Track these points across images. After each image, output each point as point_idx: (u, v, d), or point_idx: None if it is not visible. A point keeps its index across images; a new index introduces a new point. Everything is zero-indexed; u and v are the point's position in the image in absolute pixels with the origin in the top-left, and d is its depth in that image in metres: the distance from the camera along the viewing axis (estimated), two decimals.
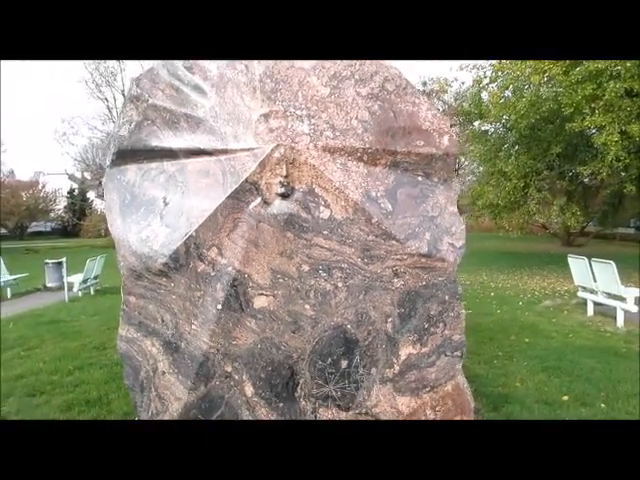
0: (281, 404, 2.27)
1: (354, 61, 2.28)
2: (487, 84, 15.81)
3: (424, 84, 41.05)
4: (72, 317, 8.79)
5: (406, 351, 2.32)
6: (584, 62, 11.59)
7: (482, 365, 5.51)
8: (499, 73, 14.82)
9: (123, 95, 20.97)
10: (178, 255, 2.20)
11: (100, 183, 33.10)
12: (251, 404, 2.26)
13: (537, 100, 13.29)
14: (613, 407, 4.23)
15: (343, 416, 2.29)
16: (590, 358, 5.54)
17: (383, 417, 2.33)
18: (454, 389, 2.41)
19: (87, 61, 19.68)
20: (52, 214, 43.95)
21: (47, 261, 12.79)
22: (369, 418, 2.32)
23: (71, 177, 48.93)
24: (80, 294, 11.59)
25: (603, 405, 4.27)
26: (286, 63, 2.24)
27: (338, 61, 2.27)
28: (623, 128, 11.00)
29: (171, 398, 2.29)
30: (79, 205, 42.82)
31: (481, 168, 18.11)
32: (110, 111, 20.94)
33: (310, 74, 2.23)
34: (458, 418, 2.42)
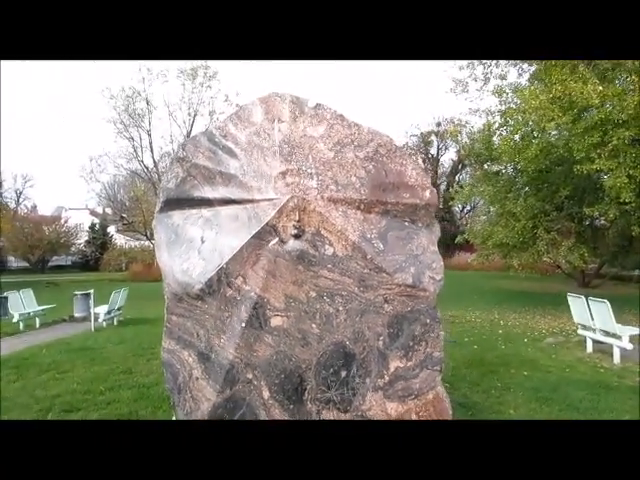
0: (292, 406, 2.77)
1: (354, 130, 2.88)
2: (497, 129, 16.37)
3: (438, 124, 42.06)
4: (99, 345, 9.30)
5: (394, 364, 2.82)
6: (591, 112, 12.12)
7: (481, 394, 5.88)
8: (508, 119, 15.36)
9: (149, 135, 21.79)
10: (211, 283, 2.76)
11: (121, 218, 33.89)
12: (267, 405, 2.77)
13: (546, 146, 13.75)
14: None
15: (343, 418, 2.78)
16: (582, 391, 5.88)
17: (375, 419, 2.81)
18: (435, 397, 2.88)
19: (116, 103, 20.63)
20: (73, 248, 44.63)
21: (76, 292, 13.41)
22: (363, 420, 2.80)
23: (92, 212, 50.16)
24: (104, 324, 12.12)
25: None
26: (299, 132, 2.85)
27: (341, 130, 2.87)
28: (630, 172, 11.40)
29: (202, 399, 2.80)
30: (101, 239, 43.59)
31: (492, 208, 18.42)
32: (135, 150, 21.83)
33: (319, 141, 2.83)
34: None
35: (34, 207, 49.10)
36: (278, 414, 2.77)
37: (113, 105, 20.72)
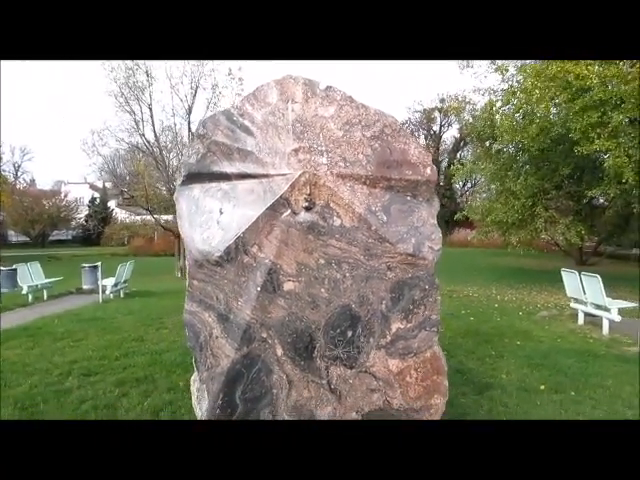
0: (302, 362, 3.06)
1: (361, 111, 3.11)
2: (499, 108, 16.46)
3: (442, 101, 41.86)
4: (108, 316, 9.63)
5: (396, 326, 3.10)
6: (590, 92, 12.24)
7: (475, 361, 6.22)
8: (510, 98, 15.44)
9: (150, 109, 21.66)
10: (230, 250, 3.02)
11: (122, 192, 33.73)
12: (280, 361, 3.06)
13: (547, 125, 13.89)
14: (580, 394, 4.94)
15: (349, 373, 3.07)
16: (571, 358, 6.22)
17: (378, 375, 3.10)
18: (432, 356, 3.17)
19: (117, 75, 20.49)
20: (73, 222, 44.71)
21: (84, 265, 13.72)
22: (368, 375, 3.10)
23: (92, 186, 50.09)
24: (112, 296, 12.45)
25: (573, 393, 4.98)
26: (311, 112, 3.08)
27: (350, 111, 3.10)
28: (630, 152, 11.58)
29: (222, 356, 3.09)
30: (103, 213, 43.63)
31: (492, 186, 18.60)
32: (137, 124, 21.71)
33: (329, 121, 3.07)
34: (435, 378, 3.18)
35: (32, 181, 48.97)
36: (290, 369, 3.06)
37: (113, 77, 20.57)
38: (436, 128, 46.16)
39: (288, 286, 3.02)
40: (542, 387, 5.11)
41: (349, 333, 3.06)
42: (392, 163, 3.10)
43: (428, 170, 3.16)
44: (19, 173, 46.42)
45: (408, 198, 3.16)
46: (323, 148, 3.02)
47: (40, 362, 6.16)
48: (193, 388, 3.35)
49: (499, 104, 16.40)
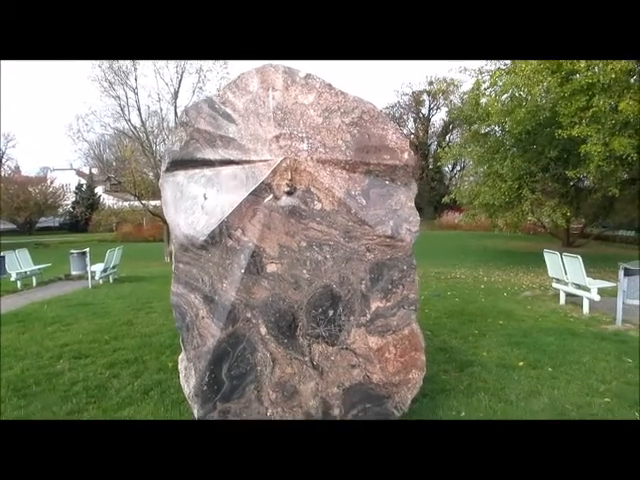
0: (285, 340, 3.19)
1: (340, 98, 3.20)
2: (486, 89, 16.52)
3: (430, 83, 41.82)
4: (98, 301, 9.70)
5: (375, 305, 3.24)
6: (577, 75, 12.34)
7: (458, 340, 6.39)
8: (497, 80, 15.50)
9: (135, 93, 21.45)
10: (214, 234, 3.12)
11: (108, 178, 33.50)
12: (264, 340, 3.19)
13: (534, 109, 13.97)
14: (557, 370, 5.13)
15: (330, 350, 3.21)
16: (550, 336, 6.41)
17: (359, 352, 3.24)
18: (410, 332, 3.31)
19: (100, 60, 20.24)
20: (60, 209, 44.27)
21: (72, 251, 13.70)
22: (348, 352, 3.24)
23: (79, 173, 49.62)
24: (101, 282, 12.49)
25: (550, 369, 5.17)
26: (292, 99, 3.17)
27: (329, 98, 3.20)
28: (607, 139, 11.72)
29: (208, 335, 3.21)
30: (90, 200, 43.30)
31: (479, 169, 18.72)
32: (122, 109, 21.51)
33: (309, 108, 3.16)
34: (412, 354, 3.32)
35: (17, 168, 48.31)
36: (274, 347, 3.20)
37: (97, 62, 20.31)
38: (425, 111, 46.15)
39: (271, 268, 3.14)
40: (520, 364, 5.29)
41: (330, 312, 3.19)
42: (371, 148, 3.20)
43: (406, 155, 3.28)
44: (3, 160, 45.72)
45: (387, 182, 3.27)
46: (303, 134, 3.12)
47: (31, 346, 6.25)
48: (181, 367, 3.48)
49: (486, 85, 16.43)
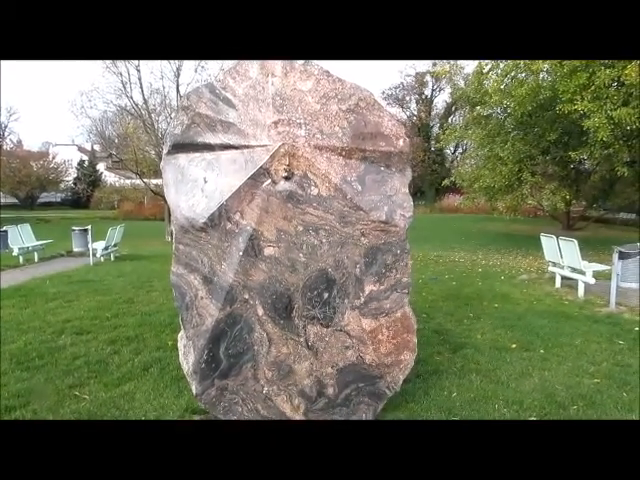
0: (282, 321, 3.30)
1: (338, 85, 3.25)
2: (488, 71, 16.42)
3: (434, 64, 41.34)
4: (99, 278, 9.81)
5: (369, 288, 3.34)
6: None
7: (453, 323, 6.51)
8: (499, 63, 15.40)
9: (137, 70, 21.29)
10: (213, 217, 3.20)
11: (110, 155, 33.42)
12: (261, 320, 3.30)
13: (535, 88, 13.89)
14: (549, 352, 5.25)
15: (325, 331, 3.32)
16: (544, 319, 6.53)
17: (352, 333, 3.35)
18: (402, 315, 3.42)
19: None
20: (62, 185, 44.17)
21: (74, 228, 13.81)
22: (342, 334, 3.35)
23: (81, 149, 49.45)
24: (102, 259, 12.61)
25: (542, 351, 5.29)
26: (290, 86, 3.22)
27: (327, 85, 3.25)
28: (610, 114, 11.69)
29: (207, 315, 3.32)
30: (92, 177, 43.19)
31: (480, 152, 18.69)
32: (124, 86, 21.40)
33: (307, 94, 3.21)
34: (405, 336, 3.44)
35: (19, 142, 48.04)
36: (270, 328, 3.30)
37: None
38: (428, 92, 45.73)
39: (268, 251, 3.23)
40: (513, 346, 5.41)
41: (325, 295, 3.29)
42: (367, 135, 3.27)
43: (401, 142, 3.34)
44: (6, 134, 45.46)
45: (382, 168, 3.34)
46: (301, 121, 3.18)
47: (33, 321, 6.38)
48: (180, 345, 3.59)
49: (488, 67, 16.33)
